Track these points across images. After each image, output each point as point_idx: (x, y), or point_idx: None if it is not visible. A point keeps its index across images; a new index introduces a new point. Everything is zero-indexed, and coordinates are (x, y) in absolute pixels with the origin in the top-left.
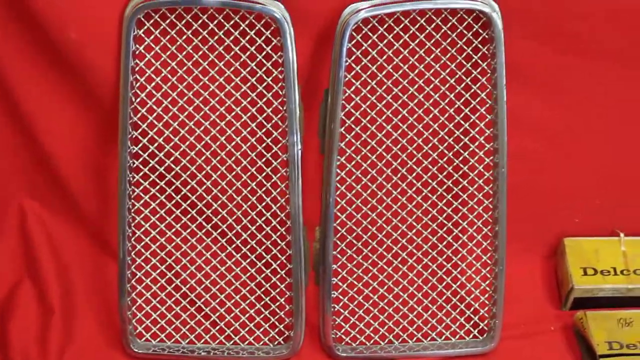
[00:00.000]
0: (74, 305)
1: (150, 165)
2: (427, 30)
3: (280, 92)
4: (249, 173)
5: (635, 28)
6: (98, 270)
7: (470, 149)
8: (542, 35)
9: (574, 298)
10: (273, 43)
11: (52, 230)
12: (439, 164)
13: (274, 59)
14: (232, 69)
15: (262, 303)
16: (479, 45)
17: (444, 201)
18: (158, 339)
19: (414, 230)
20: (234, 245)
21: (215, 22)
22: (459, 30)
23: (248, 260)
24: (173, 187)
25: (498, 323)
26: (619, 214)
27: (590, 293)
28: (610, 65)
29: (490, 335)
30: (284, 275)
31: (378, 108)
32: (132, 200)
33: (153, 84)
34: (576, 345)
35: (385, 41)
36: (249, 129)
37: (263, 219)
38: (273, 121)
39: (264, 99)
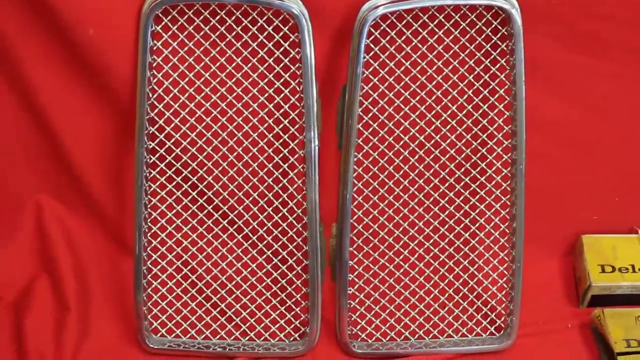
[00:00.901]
0: (89, 301)
1: (167, 161)
2: (446, 27)
3: (298, 88)
4: (265, 169)
5: None
6: (114, 266)
7: (489, 145)
8: (562, 33)
9: (591, 295)
10: (291, 39)
11: (68, 227)
12: (457, 161)
13: (291, 55)
14: (250, 65)
15: (278, 299)
16: (498, 42)
17: (462, 198)
18: (173, 335)
19: (430, 227)
20: (250, 242)
21: (233, 18)
22: (477, 26)
23: (264, 256)
24: (189, 183)
25: (515, 320)
26: (637, 211)
27: (608, 290)
28: (630, 65)
29: (507, 332)
30: (300, 272)
31: (396, 104)
32: (149, 196)
33: (170, 79)
34: (593, 343)
35: (403, 37)
36: (266, 124)
37: (279, 215)
38: (290, 117)
39: (282, 95)
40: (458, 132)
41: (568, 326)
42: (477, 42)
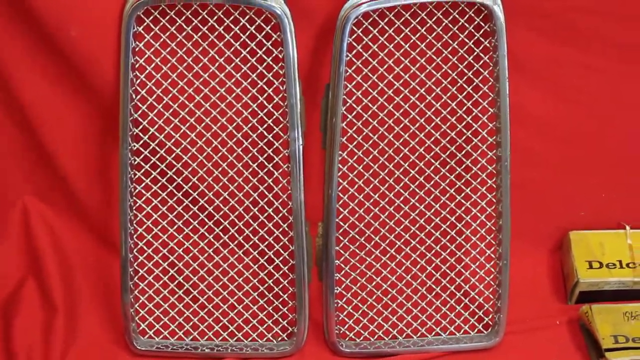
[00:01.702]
0: (77, 303)
1: (152, 162)
2: (429, 24)
3: (281, 88)
4: (250, 169)
5: (638, 22)
6: (101, 267)
7: (473, 142)
8: (545, 28)
9: (579, 292)
10: (273, 38)
11: (55, 229)
12: (442, 158)
13: (274, 55)
14: (233, 64)
15: (265, 299)
16: (481, 38)
17: (447, 195)
18: (161, 336)
19: (417, 225)
20: (236, 242)
21: (215, 17)
22: (460, 23)
23: (251, 256)
24: (174, 183)
25: (503, 317)
26: (624, 206)
27: (596, 286)
28: (613, 60)
29: (494, 329)
30: (286, 271)
31: (380, 102)
32: (134, 198)
33: (153, 80)
34: (582, 340)
35: (386, 35)
36: (250, 124)
37: (265, 215)
38: (274, 117)
39: (265, 95)
40: (442, 129)
41: (556, 323)
42: (460, 39)
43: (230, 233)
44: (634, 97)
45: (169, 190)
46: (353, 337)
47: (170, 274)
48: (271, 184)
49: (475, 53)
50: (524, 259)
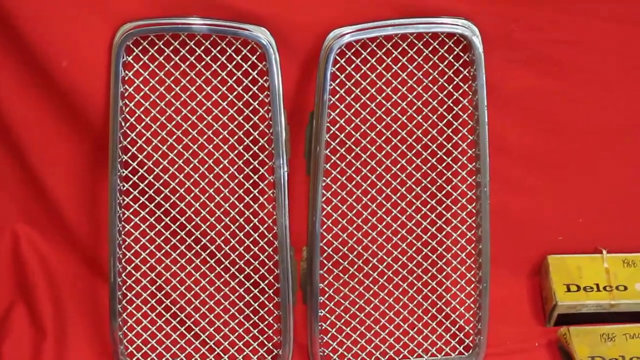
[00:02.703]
0: (66, 327)
1: (140, 188)
2: (410, 54)
3: (267, 116)
4: (236, 195)
5: (616, 54)
6: (90, 292)
7: (454, 169)
8: (523, 58)
9: (557, 314)
10: (259, 68)
11: (44, 254)
12: (423, 184)
13: (260, 83)
14: (220, 93)
15: (251, 322)
16: (460, 68)
17: (428, 220)
18: (149, 359)
19: (399, 249)
20: (222, 266)
21: (202, 48)
22: (440, 53)
23: (237, 280)
24: (162, 209)
25: (483, 339)
26: (601, 231)
27: (574, 309)
28: (591, 87)
29: (475, 351)
30: (272, 295)
31: (362, 130)
32: (123, 223)
33: (142, 108)
34: None
35: (368, 65)
36: (236, 151)
37: (251, 239)
38: (260, 144)
39: (251, 123)
40: (423, 156)
41: (535, 345)
42: (440, 68)
43: (216, 257)
44: (610, 125)
45: (157, 215)
46: (337, 359)
47: (157, 297)
48: (257, 209)
49: (455, 82)
50: (504, 283)
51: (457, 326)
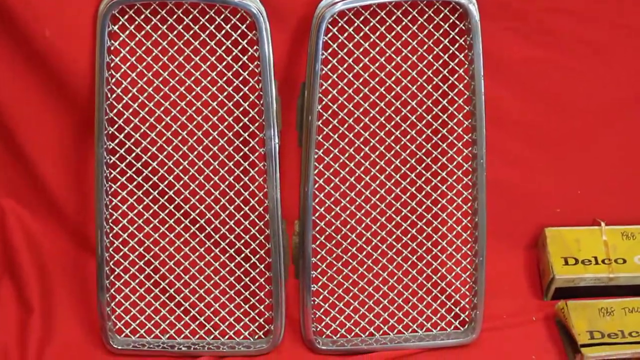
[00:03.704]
0: (53, 303)
1: (127, 161)
2: (404, 22)
3: (257, 86)
4: (226, 167)
5: (613, 23)
6: (77, 267)
7: (449, 140)
8: (520, 28)
9: (555, 288)
10: (249, 37)
11: (30, 229)
12: (418, 156)
13: (250, 53)
14: (209, 63)
15: (242, 297)
16: (456, 37)
17: (423, 193)
18: (138, 335)
19: (393, 222)
20: (212, 240)
21: (191, 16)
22: (435, 21)
23: (227, 254)
24: (150, 182)
25: (479, 314)
26: (599, 203)
27: (572, 283)
28: (588, 58)
29: (471, 326)
30: (263, 269)
31: (355, 100)
32: (110, 197)
33: (129, 79)
34: (558, 336)
35: (362, 33)
36: (226, 123)
37: (241, 213)
38: (250, 115)
39: (241, 94)
40: (418, 127)
41: (532, 319)
42: (435, 37)
43: (206, 231)
44: (608, 97)
45: (144, 189)
46: (330, 334)
47: (146, 272)
48: (247, 182)
49: (451, 51)
50: (500, 256)
51: (452, 300)
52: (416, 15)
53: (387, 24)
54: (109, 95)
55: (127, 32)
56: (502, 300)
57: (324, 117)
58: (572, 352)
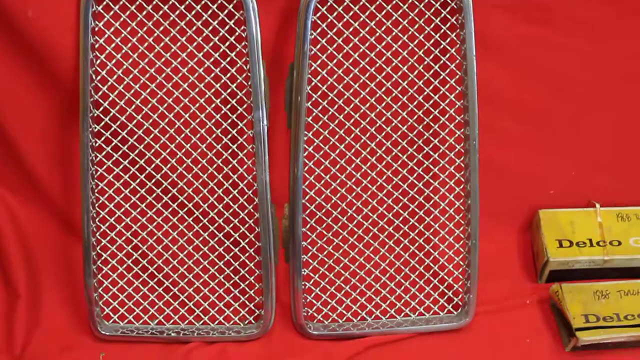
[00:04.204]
0: (40, 288)
1: (113, 144)
2: (394, 1)
3: (245, 67)
4: (214, 150)
5: (606, 1)
6: (64, 253)
7: (441, 121)
8: (513, 7)
9: (549, 271)
10: (236, 17)
11: (16, 214)
12: (409, 138)
13: (237, 33)
14: (195, 44)
15: (232, 282)
16: (448, 16)
17: (415, 175)
18: (126, 321)
19: (384, 205)
20: (201, 224)
21: None
22: (426, 0)
23: (216, 239)
24: (137, 166)
25: (472, 297)
26: (595, 184)
27: (566, 265)
28: (581, 37)
29: (464, 310)
30: (253, 254)
31: (345, 81)
32: (96, 180)
33: (114, 61)
34: (552, 319)
35: (351, 13)
36: (213, 105)
37: (230, 196)
38: (238, 97)
39: (229, 75)
40: (409, 108)
41: (527, 302)
42: (426, 16)
43: (195, 215)
44: (603, 76)
45: (131, 172)
46: (321, 319)
47: (134, 257)
48: (236, 165)
49: (442, 31)
50: (494, 239)
51: (445, 284)
52: None
53: (377, 2)
54: (94, 77)
55: (112, 12)
56: (496, 283)
57: (313, 99)
58: (566, 335)
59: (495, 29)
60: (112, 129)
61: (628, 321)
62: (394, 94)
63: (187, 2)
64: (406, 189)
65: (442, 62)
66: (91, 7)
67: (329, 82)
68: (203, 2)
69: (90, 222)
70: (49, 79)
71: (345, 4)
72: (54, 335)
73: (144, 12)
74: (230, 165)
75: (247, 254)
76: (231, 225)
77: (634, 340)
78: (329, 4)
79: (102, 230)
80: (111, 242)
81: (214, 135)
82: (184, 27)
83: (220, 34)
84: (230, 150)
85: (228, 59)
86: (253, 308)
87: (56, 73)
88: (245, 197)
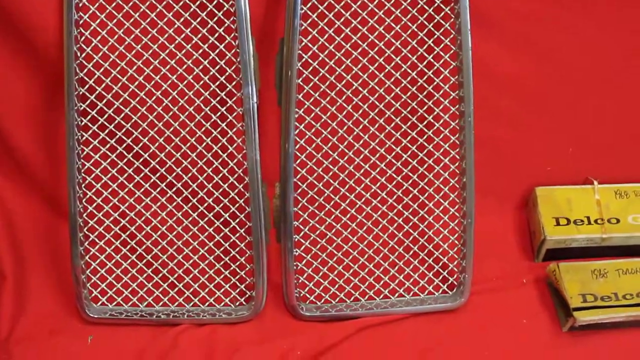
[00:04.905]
0: (26, 270)
1: (100, 123)
2: None
3: (234, 43)
4: (203, 128)
5: None
6: (50, 234)
7: (435, 97)
8: None
9: (546, 249)
10: None
11: (1, 194)
12: (403, 114)
13: (225, 8)
14: (182, 19)
15: (222, 263)
16: None
17: (409, 152)
18: (115, 303)
19: (378, 184)
20: (190, 204)
21: None
22: None
23: (206, 219)
24: (124, 145)
25: (468, 277)
26: (592, 161)
27: (563, 244)
28: (580, 13)
29: (459, 290)
30: (243, 234)
31: (337, 57)
32: (82, 160)
33: (99, 37)
34: (549, 299)
35: None
36: (202, 82)
37: (220, 175)
38: (227, 73)
39: (217, 51)
40: (403, 84)
41: (523, 282)
42: None
43: (184, 195)
44: (601, 52)
45: (118, 151)
46: (314, 300)
47: (122, 238)
48: (225, 143)
49: (436, 4)
50: (489, 217)
51: (440, 264)
52: None
53: None
54: (79, 54)
55: None
56: (492, 262)
57: (304, 75)
58: (564, 315)
59: (491, 3)
60: (98, 107)
61: (627, 300)
62: (386, 70)
63: None
64: (400, 166)
65: (436, 36)
66: None
67: (320, 58)
68: None
69: (77, 203)
70: (33, 56)
71: None
72: (42, 318)
73: None
74: (220, 144)
75: (237, 235)
76: (221, 205)
77: (632, 320)
78: None
79: (89, 211)
80: (99, 223)
81: (202, 113)
82: (171, 1)
83: (208, 9)
84: (219, 129)
85: (216, 34)
86: (244, 289)
87: (40, 49)
88: (236, 176)
